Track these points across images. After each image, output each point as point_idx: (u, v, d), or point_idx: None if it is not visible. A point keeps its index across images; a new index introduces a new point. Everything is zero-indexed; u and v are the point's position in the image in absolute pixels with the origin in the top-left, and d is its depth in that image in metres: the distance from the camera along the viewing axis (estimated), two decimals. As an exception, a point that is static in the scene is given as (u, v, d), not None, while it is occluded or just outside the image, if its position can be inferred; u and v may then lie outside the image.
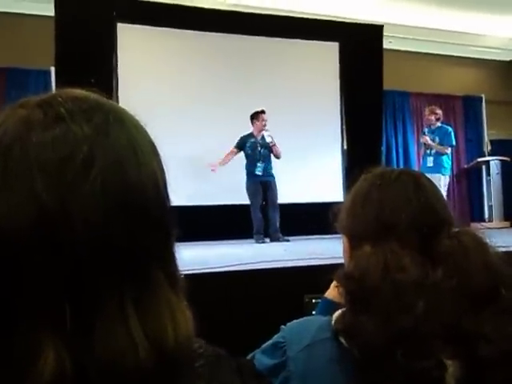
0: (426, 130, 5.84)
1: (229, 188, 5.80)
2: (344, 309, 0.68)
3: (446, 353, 0.62)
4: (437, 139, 5.64)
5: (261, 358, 0.73)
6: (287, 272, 2.37)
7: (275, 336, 0.76)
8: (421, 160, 6.22)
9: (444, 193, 5.42)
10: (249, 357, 0.76)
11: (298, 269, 2.41)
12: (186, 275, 0.46)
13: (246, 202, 5.28)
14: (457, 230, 0.73)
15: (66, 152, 0.38)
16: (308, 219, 5.20)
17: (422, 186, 0.78)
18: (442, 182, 5.54)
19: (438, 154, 5.57)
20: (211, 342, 0.50)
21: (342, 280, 0.69)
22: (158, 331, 0.38)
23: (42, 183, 0.36)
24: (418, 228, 0.73)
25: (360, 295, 0.65)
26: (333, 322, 0.70)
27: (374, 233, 0.73)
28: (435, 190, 0.80)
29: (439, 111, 5.75)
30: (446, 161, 5.62)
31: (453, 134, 5.70)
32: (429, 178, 0.83)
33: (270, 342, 0.76)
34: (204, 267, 2.41)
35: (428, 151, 5.64)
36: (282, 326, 0.77)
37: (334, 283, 1.06)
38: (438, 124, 5.68)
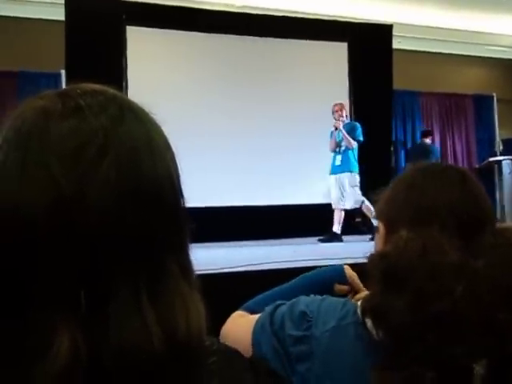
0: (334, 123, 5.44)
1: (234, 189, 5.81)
2: (373, 290, 0.66)
3: (478, 344, 0.60)
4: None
5: (288, 324, 0.73)
6: (296, 272, 2.35)
7: (306, 302, 0.75)
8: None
9: (359, 191, 5.03)
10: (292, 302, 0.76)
11: (307, 270, 2.40)
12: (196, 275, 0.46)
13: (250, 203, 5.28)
14: (499, 227, 0.71)
15: (81, 140, 0.39)
16: (317, 220, 5.19)
17: (467, 179, 0.77)
18: (353, 180, 5.08)
19: (346, 151, 5.22)
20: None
21: (376, 259, 0.66)
22: (170, 321, 0.38)
23: (59, 170, 0.37)
24: (459, 217, 0.71)
25: (394, 274, 0.62)
26: (359, 303, 0.69)
27: (414, 218, 0.72)
28: (481, 187, 0.79)
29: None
30: (353, 157, 5.26)
31: (360, 129, 5.36)
32: (475, 176, 0.81)
33: (300, 307, 0.75)
34: (213, 268, 2.41)
35: (337, 149, 5.29)
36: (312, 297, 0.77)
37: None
38: (346, 120, 5.44)
